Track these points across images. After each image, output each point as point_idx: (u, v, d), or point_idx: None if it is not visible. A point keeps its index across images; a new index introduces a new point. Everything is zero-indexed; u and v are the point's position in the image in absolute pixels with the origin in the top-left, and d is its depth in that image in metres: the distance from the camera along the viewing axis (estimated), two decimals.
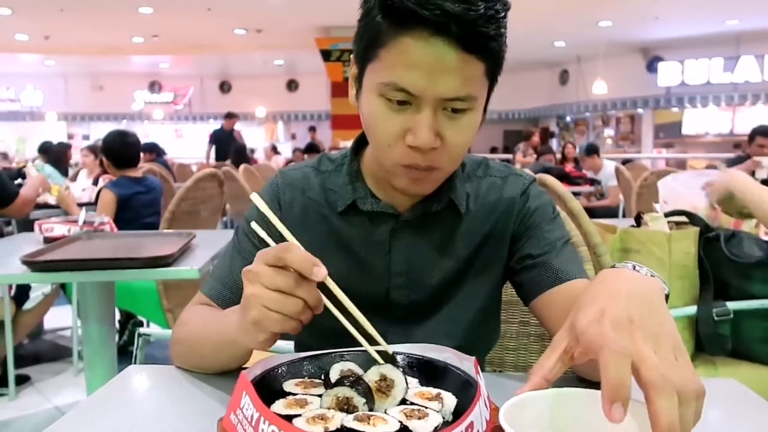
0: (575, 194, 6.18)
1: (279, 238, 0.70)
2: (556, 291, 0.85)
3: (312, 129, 14.08)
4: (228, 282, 0.89)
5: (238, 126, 9.79)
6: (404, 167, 0.79)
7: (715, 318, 1.64)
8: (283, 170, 0.97)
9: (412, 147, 0.76)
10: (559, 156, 7.21)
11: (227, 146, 8.52)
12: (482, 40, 0.72)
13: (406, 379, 0.62)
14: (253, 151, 15.14)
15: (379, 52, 0.75)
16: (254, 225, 0.75)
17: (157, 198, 3.23)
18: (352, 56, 0.84)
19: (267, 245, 0.89)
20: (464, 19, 0.69)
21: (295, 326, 0.63)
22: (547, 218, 0.92)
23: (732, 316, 1.64)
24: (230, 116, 9.12)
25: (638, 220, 1.85)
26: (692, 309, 1.69)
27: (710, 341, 1.67)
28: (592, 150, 6.00)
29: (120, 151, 3.15)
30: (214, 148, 8.82)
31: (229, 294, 0.88)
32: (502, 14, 0.74)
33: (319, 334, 0.94)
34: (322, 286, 0.65)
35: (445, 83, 0.73)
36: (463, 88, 0.74)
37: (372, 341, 0.68)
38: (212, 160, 8.53)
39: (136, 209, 3.06)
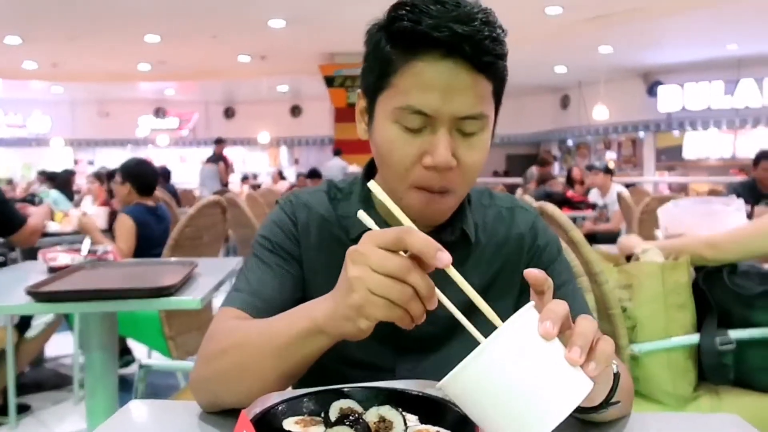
0: (579, 219, 6.10)
1: None
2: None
3: None
4: (259, 292, 0.86)
5: (241, 151, 9.89)
6: (418, 190, 0.81)
7: (719, 347, 1.64)
8: (295, 192, 0.98)
9: (429, 168, 0.78)
10: (563, 180, 7.21)
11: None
12: (491, 59, 0.76)
13: (404, 418, 0.62)
14: (255, 176, 15.22)
15: (391, 80, 0.79)
16: (361, 214, 0.66)
17: (167, 228, 3.25)
18: (359, 91, 0.87)
19: (282, 248, 0.90)
20: (474, 39, 0.74)
21: (400, 315, 0.59)
22: (555, 258, 0.95)
23: (735, 345, 1.64)
24: (219, 141, 9.23)
25: (629, 260, 1.88)
26: (695, 338, 1.69)
27: (713, 370, 1.67)
28: (608, 170, 6.02)
29: (145, 177, 3.19)
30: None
31: (261, 304, 0.85)
32: (503, 36, 0.78)
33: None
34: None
35: (459, 102, 0.76)
36: (477, 106, 0.77)
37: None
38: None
39: (148, 239, 3.08)
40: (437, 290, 0.60)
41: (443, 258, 0.58)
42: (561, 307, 0.56)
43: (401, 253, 0.59)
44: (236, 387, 0.75)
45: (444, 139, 0.77)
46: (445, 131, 0.77)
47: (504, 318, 0.91)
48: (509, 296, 0.94)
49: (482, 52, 0.75)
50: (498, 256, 0.94)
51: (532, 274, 0.61)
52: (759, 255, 1.71)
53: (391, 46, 0.78)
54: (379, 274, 0.58)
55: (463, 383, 0.52)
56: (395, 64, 0.78)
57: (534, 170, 7.58)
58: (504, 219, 0.95)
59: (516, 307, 0.94)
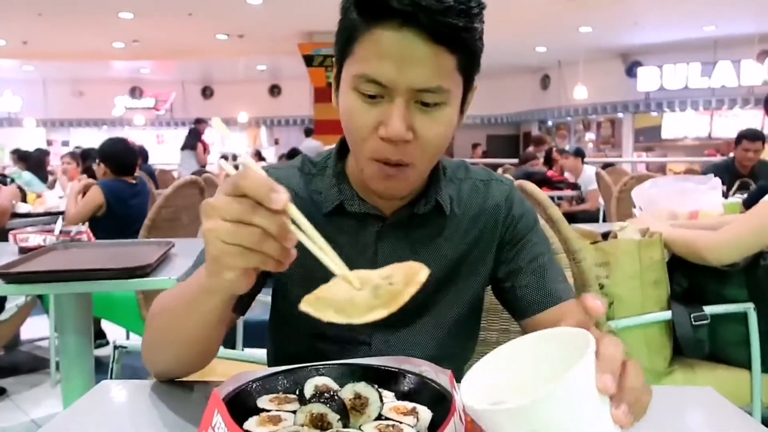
0: (557, 199, 6.18)
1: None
2: (548, 312, 0.90)
3: None
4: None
5: None
6: (376, 162, 0.79)
7: (693, 322, 1.66)
8: (266, 168, 0.95)
9: (385, 139, 0.77)
10: (541, 160, 7.24)
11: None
12: (452, 31, 0.73)
13: (380, 395, 0.61)
14: (235, 157, 15.01)
15: (353, 47, 0.77)
16: (221, 161, 0.66)
17: (145, 203, 3.22)
18: (334, 59, 0.85)
19: None
20: (433, 9, 0.71)
21: (260, 259, 0.57)
22: (530, 228, 0.95)
23: (709, 320, 1.67)
24: (198, 122, 9.05)
25: (605, 237, 1.88)
26: (668, 314, 1.71)
27: (688, 345, 1.69)
28: (578, 153, 6.11)
29: (122, 157, 3.14)
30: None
31: None
32: (476, 10, 0.75)
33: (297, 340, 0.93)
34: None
35: (416, 73, 0.74)
36: (434, 79, 0.75)
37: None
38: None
39: (124, 217, 3.04)
40: (294, 228, 0.57)
41: (278, 199, 0.55)
42: (618, 352, 0.50)
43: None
44: (164, 353, 0.79)
45: (399, 110, 0.75)
46: (402, 102, 0.75)
47: (473, 290, 0.91)
48: (483, 268, 0.94)
49: (440, 23, 0.72)
50: (473, 229, 0.93)
51: (590, 302, 0.54)
52: (756, 251, 1.69)
53: (357, 14, 0.76)
54: (227, 222, 0.56)
55: (510, 417, 0.47)
56: (357, 32, 0.76)
57: (531, 150, 7.58)
58: (479, 191, 0.95)
59: (491, 280, 0.95)
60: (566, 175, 6.14)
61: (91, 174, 4.13)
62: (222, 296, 0.66)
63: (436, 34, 0.73)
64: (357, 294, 0.56)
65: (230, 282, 0.59)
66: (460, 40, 0.75)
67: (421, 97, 0.76)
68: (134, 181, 3.20)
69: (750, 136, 4.13)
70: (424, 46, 0.73)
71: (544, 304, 0.90)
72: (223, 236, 0.56)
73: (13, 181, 3.96)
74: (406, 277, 0.57)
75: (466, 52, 0.77)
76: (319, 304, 0.56)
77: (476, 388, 0.52)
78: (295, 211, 0.57)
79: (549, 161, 6.57)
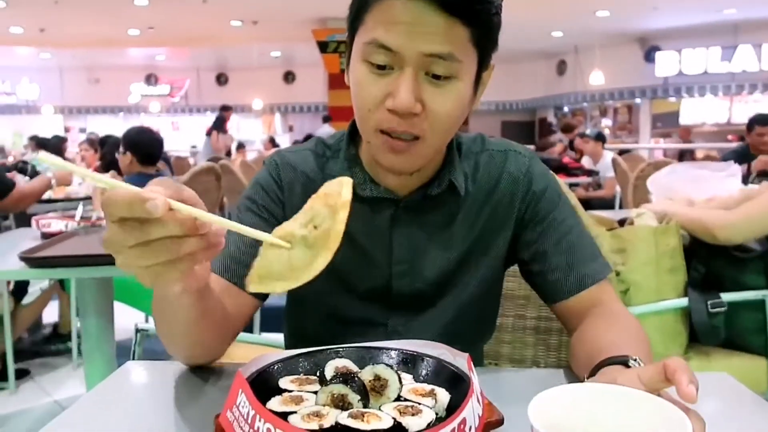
0: (573, 185, 6.13)
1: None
2: (580, 296, 0.87)
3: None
4: (234, 255, 0.83)
5: (235, 118, 9.74)
6: (382, 134, 0.77)
7: (710, 309, 1.66)
8: (280, 152, 0.96)
9: (392, 111, 0.75)
10: (563, 146, 7.17)
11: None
12: (465, 3, 0.72)
13: (399, 377, 0.63)
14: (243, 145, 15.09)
15: (364, 17, 0.76)
16: (42, 154, 0.52)
17: None
18: (346, 37, 0.84)
19: (267, 209, 0.89)
20: None
21: (189, 262, 0.54)
22: (555, 202, 0.90)
23: (726, 308, 1.66)
24: (225, 108, 9.08)
25: (622, 224, 1.88)
26: (685, 301, 1.71)
27: (704, 332, 1.69)
28: (599, 137, 6.00)
29: (148, 147, 3.14)
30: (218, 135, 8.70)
31: (236, 267, 0.83)
32: None
33: (317, 319, 0.93)
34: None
35: (426, 39, 0.72)
36: (446, 45, 0.73)
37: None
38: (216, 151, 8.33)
39: None
40: (186, 206, 0.52)
41: (154, 206, 0.49)
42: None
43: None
44: (173, 347, 0.78)
45: (408, 80, 0.73)
46: (411, 72, 0.73)
47: (491, 269, 0.89)
48: (499, 248, 0.91)
49: None
50: (487, 204, 0.90)
51: (684, 389, 0.53)
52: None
53: None
54: (132, 248, 0.51)
55: None
56: (368, 2, 0.75)
57: (560, 136, 7.49)
58: (495, 163, 0.91)
59: (519, 263, 0.92)
60: (585, 160, 6.08)
61: (107, 161, 4.17)
62: (185, 299, 0.64)
63: (448, 4, 0.71)
64: (292, 254, 0.53)
65: (180, 291, 0.57)
66: (475, 12, 0.73)
67: (432, 67, 0.74)
68: (156, 172, 3.22)
69: (761, 120, 4.05)
70: (435, 15, 0.71)
71: (576, 288, 0.87)
72: (138, 263, 0.53)
73: (33, 167, 4.01)
74: (330, 208, 0.53)
75: (481, 26, 0.75)
76: (264, 281, 0.53)
77: (547, 414, 0.50)
78: (178, 205, 0.51)
79: (573, 148, 6.52)
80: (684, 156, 8.51)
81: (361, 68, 0.76)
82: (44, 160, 0.50)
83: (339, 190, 0.53)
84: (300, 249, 0.53)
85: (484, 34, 0.76)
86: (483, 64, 0.79)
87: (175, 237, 0.52)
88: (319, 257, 0.51)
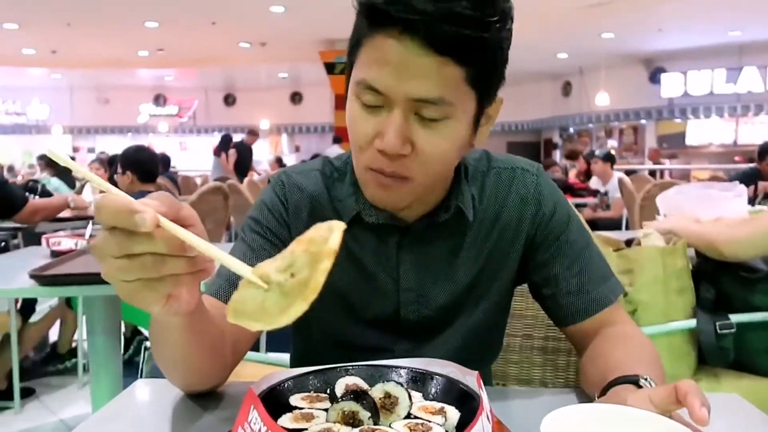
0: (580, 206, 6.12)
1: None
2: (593, 318, 0.87)
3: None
4: (231, 276, 0.81)
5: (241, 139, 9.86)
6: (371, 171, 0.76)
7: (718, 331, 1.65)
8: (286, 171, 0.93)
9: (380, 151, 0.73)
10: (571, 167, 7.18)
11: (248, 161, 8.72)
12: (457, 41, 0.67)
13: (410, 395, 0.63)
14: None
15: (359, 52, 0.74)
16: (50, 150, 0.54)
17: None
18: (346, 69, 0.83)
19: (272, 231, 0.87)
20: (433, 17, 0.65)
21: (171, 283, 0.52)
22: (565, 222, 0.89)
23: (735, 329, 1.65)
24: (252, 133, 9.23)
25: (629, 244, 1.88)
26: (693, 322, 1.70)
27: (712, 353, 1.68)
28: (608, 158, 5.98)
29: (145, 164, 3.18)
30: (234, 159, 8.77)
31: (231, 289, 0.79)
32: (494, 19, 0.68)
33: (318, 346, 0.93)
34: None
35: (414, 83, 0.69)
36: (434, 90, 0.69)
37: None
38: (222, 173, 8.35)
39: None
40: (174, 225, 0.50)
41: (142, 220, 0.47)
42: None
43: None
44: (170, 374, 0.75)
45: (396, 122, 0.70)
46: (400, 114, 0.71)
47: (499, 293, 0.89)
48: (507, 268, 0.89)
49: (443, 33, 0.66)
50: (496, 225, 0.88)
51: (697, 413, 0.53)
52: None
53: (362, 18, 0.73)
54: (117, 259, 0.50)
55: None
56: (362, 37, 0.73)
57: (567, 163, 7.51)
58: (502, 181, 0.89)
59: (529, 285, 0.92)
60: (593, 180, 6.07)
61: (114, 183, 4.21)
62: (176, 321, 0.61)
63: (438, 43, 0.67)
64: (267, 298, 0.49)
65: (161, 313, 0.54)
66: (469, 52, 0.68)
67: (421, 110, 0.71)
68: (156, 190, 3.26)
69: None
70: (426, 56, 0.68)
71: (588, 312, 0.86)
72: (119, 276, 0.51)
73: (43, 187, 4.05)
74: (312, 256, 0.48)
75: (477, 65, 0.70)
76: (239, 316, 0.50)
77: (557, 427, 0.51)
78: (166, 223, 0.49)
79: (589, 176, 6.49)
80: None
81: (354, 105, 0.75)
82: (54, 154, 0.50)
83: (327, 236, 0.48)
84: (275, 294, 0.49)
85: (482, 73, 0.72)
86: (485, 101, 0.76)
87: (159, 255, 0.50)
88: (294, 307, 0.47)
